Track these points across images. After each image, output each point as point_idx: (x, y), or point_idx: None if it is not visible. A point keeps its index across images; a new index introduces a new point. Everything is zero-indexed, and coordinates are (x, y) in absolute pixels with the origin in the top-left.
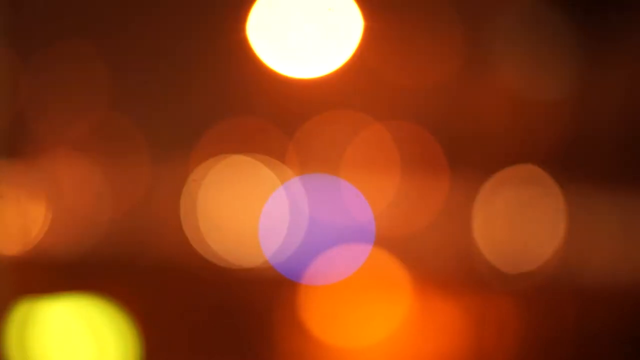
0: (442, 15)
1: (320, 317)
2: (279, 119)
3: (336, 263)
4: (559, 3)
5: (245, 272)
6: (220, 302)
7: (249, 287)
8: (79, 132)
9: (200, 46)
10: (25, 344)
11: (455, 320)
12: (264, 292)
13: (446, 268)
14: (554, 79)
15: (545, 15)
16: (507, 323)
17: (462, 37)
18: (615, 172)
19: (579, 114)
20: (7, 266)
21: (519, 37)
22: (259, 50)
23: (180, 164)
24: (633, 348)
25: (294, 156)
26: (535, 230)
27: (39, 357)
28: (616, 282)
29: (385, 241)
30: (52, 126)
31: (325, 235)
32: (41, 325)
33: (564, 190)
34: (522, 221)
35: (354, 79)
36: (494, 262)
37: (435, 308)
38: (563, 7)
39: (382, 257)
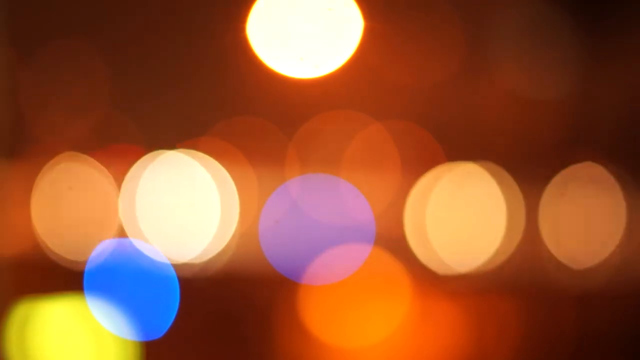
0: (442, 15)
1: (320, 317)
2: (279, 119)
3: (336, 263)
4: (559, 2)
5: (245, 272)
6: (221, 302)
7: (249, 287)
8: (79, 132)
9: (200, 46)
10: (25, 344)
11: (455, 320)
12: (264, 292)
13: (446, 268)
14: (554, 77)
15: (546, 14)
16: (507, 323)
17: (462, 37)
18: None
19: (580, 112)
20: (7, 266)
21: (519, 36)
22: (259, 50)
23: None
24: (633, 348)
25: (294, 156)
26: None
27: (39, 357)
28: (615, 282)
29: (385, 241)
30: (52, 126)
31: (325, 235)
32: (41, 325)
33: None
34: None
35: (354, 79)
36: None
37: (435, 308)
38: (563, 6)
39: (382, 257)
